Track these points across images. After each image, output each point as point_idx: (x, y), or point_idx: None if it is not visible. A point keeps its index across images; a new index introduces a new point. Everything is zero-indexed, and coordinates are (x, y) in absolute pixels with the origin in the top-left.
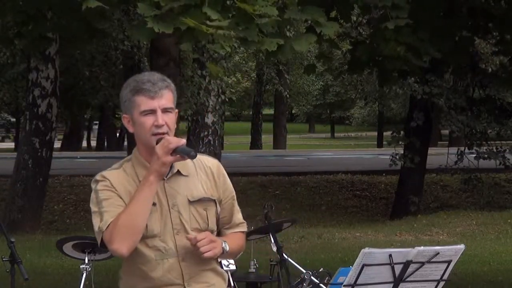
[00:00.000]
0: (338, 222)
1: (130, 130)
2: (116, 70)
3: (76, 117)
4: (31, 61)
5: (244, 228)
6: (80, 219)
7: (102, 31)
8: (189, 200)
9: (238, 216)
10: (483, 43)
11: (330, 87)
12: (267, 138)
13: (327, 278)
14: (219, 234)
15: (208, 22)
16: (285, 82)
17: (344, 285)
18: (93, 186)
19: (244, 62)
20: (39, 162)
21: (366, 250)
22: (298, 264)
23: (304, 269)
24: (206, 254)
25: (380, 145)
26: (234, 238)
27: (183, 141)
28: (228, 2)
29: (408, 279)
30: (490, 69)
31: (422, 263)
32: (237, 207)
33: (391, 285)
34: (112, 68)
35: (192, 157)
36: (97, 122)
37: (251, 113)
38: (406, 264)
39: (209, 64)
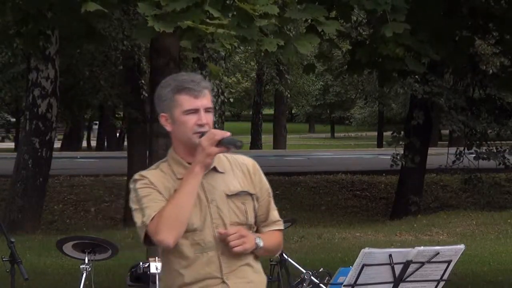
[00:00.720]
0: (338, 222)
1: (168, 128)
2: (116, 70)
3: (76, 117)
4: (31, 61)
5: (280, 226)
6: (80, 219)
7: (101, 34)
8: (226, 195)
9: (274, 213)
10: (483, 44)
11: (330, 87)
12: (267, 138)
13: (327, 278)
14: (256, 232)
15: (208, 21)
16: (286, 82)
17: (344, 285)
18: (131, 186)
19: (244, 62)
20: (39, 162)
21: (366, 250)
22: (298, 264)
23: (304, 269)
24: (236, 249)
25: (380, 145)
26: (271, 236)
27: (228, 133)
28: (228, 1)
29: (408, 279)
30: (490, 71)
31: (422, 263)
32: (273, 205)
33: (391, 285)
34: (112, 68)
35: (239, 147)
36: (97, 122)
37: (251, 113)
38: (406, 264)
39: (210, 64)
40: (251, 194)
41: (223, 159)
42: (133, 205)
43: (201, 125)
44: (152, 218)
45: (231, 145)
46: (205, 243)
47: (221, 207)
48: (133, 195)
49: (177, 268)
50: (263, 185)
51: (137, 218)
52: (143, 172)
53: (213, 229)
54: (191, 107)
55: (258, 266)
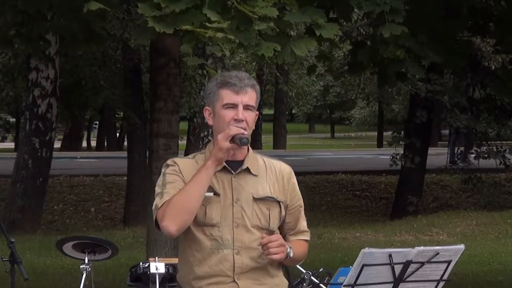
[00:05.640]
0: (338, 222)
1: (210, 122)
2: (116, 70)
3: (76, 117)
4: (31, 61)
5: (307, 236)
6: (80, 219)
7: (100, 35)
8: (253, 197)
9: (303, 223)
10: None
11: (331, 88)
12: (267, 138)
13: (327, 278)
14: (283, 239)
15: (207, 24)
16: (288, 81)
17: (344, 285)
18: (163, 169)
19: (244, 62)
20: (39, 162)
21: (366, 250)
22: (298, 264)
23: (304, 269)
24: (274, 256)
25: (380, 145)
26: (298, 245)
27: (243, 131)
28: (228, 2)
29: (408, 279)
30: (493, 66)
31: (422, 263)
32: (303, 215)
33: (391, 285)
34: (112, 68)
35: (244, 144)
36: (97, 122)
37: None
38: (406, 264)
39: (208, 68)
40: (278, 201)
41: (260, 162)
42: (157, 189)
43: (237, 120)
44: (163, 204)
45: (238, 140)
46: (222, 241)
47: (245, 208)
48: (161, 179)
49: (192, 260)
50: (296, 194)
51: (155, 201)
52: (176, 159)
53: (232, 227)
54: (230, 101)
55: (275, 270)
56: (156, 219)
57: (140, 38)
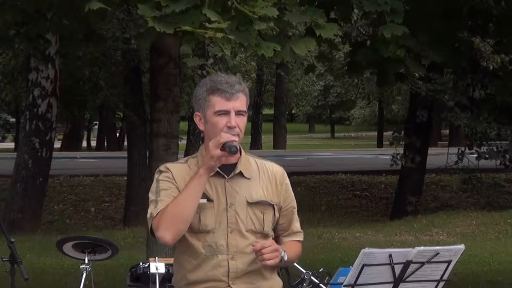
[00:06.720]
0: (338, 222)
1: (201, 128)
2: (117, 70)
3: (76, 117)
4: (31, 61)
5: (300, 237)
6: (80, 219)
7: (100, 35)
8: (247, 202)
9: (296, 224)
10: (483, 42)
11: (331, 88)
12: (267, 138)
13: (327, 278)
14: (276, 240)
15: (207, 24)
16: (287, 80)
17: (344, 285)
18: (156, 176)
19: (244, 62)
20: (39, 162)
21: (366, 250)
22: (298, 264)
23: (304, 269)
24: (268, 262)
25: (380, 145)
26: (292, 247)
27: (234, 138)
28: (228, 2)
29: (408, 279)
30: (491, 67)
31: (422, 263)
32: (296, 216)
33: (391, 285)
34: (112, 68)
35: (233, 152)
36: (97, 122)
37: (251, 113)
38: (406, 264)
39: (209, 69)
40: (272, 204)
41: (253, 165)
42: (150, 196)
43: (230, 127)
44: (158, 213)
45: (227, 148)
46: (217, 246)
47: (240, 213)
48: (154, 185)
49: (187, 266)
50: (289, 196)
51: (150, 209)
52: (169, 165)
53: (227, 233)
54: (222, 108)
55: (269, 273)
56: (151, 228)
57: (141, 41)
